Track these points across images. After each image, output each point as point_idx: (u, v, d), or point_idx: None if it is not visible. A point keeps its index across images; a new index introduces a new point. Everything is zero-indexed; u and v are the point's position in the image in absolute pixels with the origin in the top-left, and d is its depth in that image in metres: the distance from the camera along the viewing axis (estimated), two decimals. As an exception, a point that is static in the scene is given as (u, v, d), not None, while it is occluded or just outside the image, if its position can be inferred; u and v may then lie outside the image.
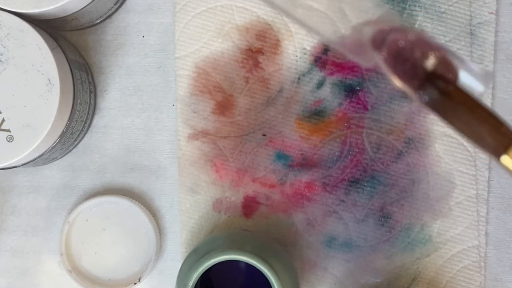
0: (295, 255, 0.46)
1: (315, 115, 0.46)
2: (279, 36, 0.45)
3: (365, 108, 0.46)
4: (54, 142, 0.41)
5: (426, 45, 0.27)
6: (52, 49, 0.39)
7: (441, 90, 0.28)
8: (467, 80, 0.27)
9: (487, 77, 0.27)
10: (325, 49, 0.45)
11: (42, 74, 0.39)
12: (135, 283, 0.46)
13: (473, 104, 0.28)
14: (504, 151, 0.28)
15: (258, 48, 0.46)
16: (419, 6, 0.45)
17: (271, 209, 0.46)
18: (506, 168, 0.28)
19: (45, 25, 0.41)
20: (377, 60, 0.27)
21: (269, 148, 0.46)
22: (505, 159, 0.28)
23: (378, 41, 0.27)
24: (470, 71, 0.27)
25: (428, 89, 0.28)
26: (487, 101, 0.45)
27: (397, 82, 0.27)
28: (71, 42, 0.46)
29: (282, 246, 0.46)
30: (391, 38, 0.27)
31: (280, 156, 0.46)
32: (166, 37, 0.46)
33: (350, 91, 0.45)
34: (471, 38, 0.45)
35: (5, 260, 0.47)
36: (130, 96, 0.47)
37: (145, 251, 0.46)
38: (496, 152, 0.28)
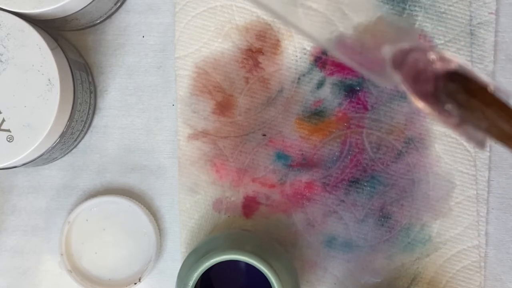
0: (295, 255, 0.46)
1: (315, 115, 0.46)
2: (279, 36, 0.45)
3: (365, 108, 0.45)
4: (54, 142, 0.41)
5: (447, 63, 0.27)
6: (52, 49, 0.39)
7: (463, 98, 0.27)
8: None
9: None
10: (325, 49, 0.45)
11: (42, 74, 0.39)
12: (135, 283, 0.46)
13: (499, 104, 0.27)
14: None
15: (258, 48, 0.46)
16: (419, 6, 0.45)
17: (271, 209, 0.46)
18: None
19: (45, 25, 0.41)
20: (397, 80, 0.27)
21: (269, 148, 0.46)
22: None
23: (398, 61, 0.27)
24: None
25: (449, 102, 0.27)
26: (487, 101, 0.45)
27: (418, 103, 0.27)
28: (71, 42, 0.46)
29: (282, 246, 0.46)
30: (411, 58, 0.27)
31: (280, 156, 0.46)
32: (166, 37, 0.46)
33: (350, 91, 0.45)
34: (471, 38, 0.45)
35: (5, 260, 0.47)
36: (130, 96, 0.47)
37: (145, 251, 0.46)
38: None
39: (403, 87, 0.26)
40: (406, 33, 0.43)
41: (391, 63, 0.27)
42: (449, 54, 0.27)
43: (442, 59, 0.27)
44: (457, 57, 0.26)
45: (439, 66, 0.27)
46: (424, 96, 0.26)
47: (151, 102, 0.47)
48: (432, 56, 0.27)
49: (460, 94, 0.27)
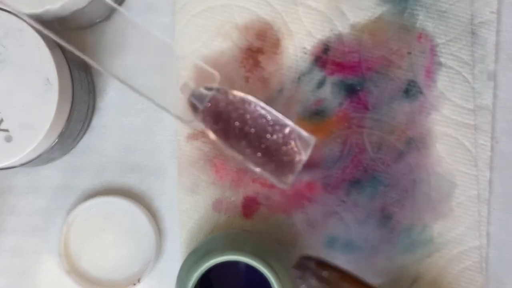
0: (296, 256, 0.46)
1: (316, 115, 0.45)
2: (279, 35, 0.45)
3: (366, 108, 0.45)
4: (53, 142, 0.41)
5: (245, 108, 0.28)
6: (51, 49, 0.39)
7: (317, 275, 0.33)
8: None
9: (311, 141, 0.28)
10: (326, 49, 0.45)
11: (41, 73, 0.38)
12: (134, 284, 0.46)
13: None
14: None
15: (258, 48, 0.45)
16: (420, 6, 0.45)
17: (271, 210, 0.46)
18: None
19: (44, 24, 0.41)
20: (197, 119, 0.28)
21: (269, 148, 0.46)
22: None
23: (198, 100, 0.28)
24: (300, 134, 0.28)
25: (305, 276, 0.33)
26: (488, 100, 0.45)
27: (211, 135, 0.28)
28: (71, 42, 0.46)
29: (282, 246, 0.46)
30: (211, 97, 0.28)
31: (280, 156, 0.46)
32: (166, 37, 0.46)
33: (351, 90, 0.45)
34: (472, 37, 0.45)
35: (4, 261, 0.47)
36: (130, 96, 0.47)
37: (145, 252, 0.46)
38: None
39: (202, 125, 0.28)
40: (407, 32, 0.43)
41: (189, 102, 0.29)
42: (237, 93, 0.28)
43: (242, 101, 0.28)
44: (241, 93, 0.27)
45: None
46: (222, 133, 0.28)
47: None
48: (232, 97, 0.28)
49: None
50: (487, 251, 0.46)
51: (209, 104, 0.28)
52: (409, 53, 0.45)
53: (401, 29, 0.45)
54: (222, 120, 0.28)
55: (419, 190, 0.45)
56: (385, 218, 0.46)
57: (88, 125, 0.46)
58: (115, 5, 0.45)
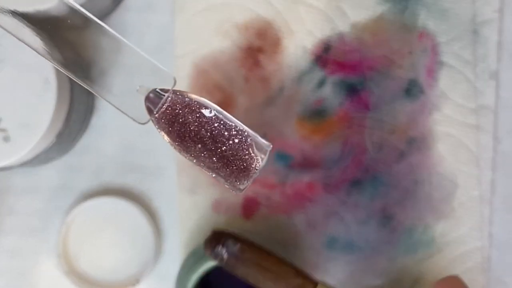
0: (296, 257, 0.46)
1: (316, 114, 0.45)
2: (279, 34, 0.45)
3: (367, 108, 0.45)
4: (52, 142, 0.41)
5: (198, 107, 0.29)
6: (49, 48, 0.39)
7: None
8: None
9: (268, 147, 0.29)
10: (326, 48, 0.45)
11: (39, 73, 0.38)
12: (133, 285, 0.46)
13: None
14: None
15: (258, 47, 0.45)
16: (421, 4, 0.45)
17: (271, 210, 0.46)
18: None
19: (42, 23, 0.41)
20: (151, 120, 0.29)
21: (269, 148, 0.46)
22: None
23: (154, 102, 0.29)
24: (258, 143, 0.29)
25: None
26: (490, 100, 0.45)
27: (165, 138, 0.29)
28: (69, 41, 0.46)
29: (283, 247, 0.46)
30: (167, 99, 0.29)
31: (281, 156, 0.46)
32: (165, 36, 0.46)
33: (352, 90, 0.45)
34: (474, 36, 0.45)
35: (2, 262, 0.47)
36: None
37: (144, 253, 0.46)
38: None
39: (156, 127, 0.28)
40: (408, 31, 0.43)
41: (145, 103, 0.29)
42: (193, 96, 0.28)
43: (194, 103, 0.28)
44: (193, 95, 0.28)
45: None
46: (177, 135, 0.28)
47: (150, 101, 0.46)
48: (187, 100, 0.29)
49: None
50: (489, 251, 0.46)
51: (165, 106, 0.28)
52: (410, 52, 0.45)
53: (402, 28, 0.45)
54: (178, 123, 0.28)
55: (421, 190, 0.45)
56: (386, 218, 0.46)
57: (87, 125, 0.46)
58: (113, 4, 0.45)
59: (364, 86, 0.45)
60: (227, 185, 0.28)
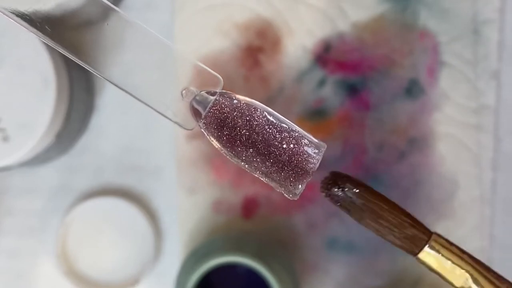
0: (296, 257, 0.46)
1: (316, 114, 0.45)
2: (279, 34, 0.45)
3: (367, 107, 0.45)
4: (51, 142, 0.41)
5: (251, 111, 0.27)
6: (48, 47, 0.39)
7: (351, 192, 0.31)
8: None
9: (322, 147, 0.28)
10: (327, 48, 0.45)
11: (38, 72, 0.38)
12: (132, 285, 0.45)
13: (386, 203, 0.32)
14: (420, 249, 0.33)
15: (258, 46, 0.45)
16: (422, 4, 0.45)
17: (271, 210, 0.46)
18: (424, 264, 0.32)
19: (41, 23, 0.41)
20: (199, 125, 0.28)
21: (269, 148, 0.45)
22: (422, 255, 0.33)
23: (201, 105, 0.28)
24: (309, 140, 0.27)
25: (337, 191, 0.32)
26: (491, 100, 0.45)
27: (215, 144, 0.28)
28: (68, 40, 0.46)
29: (283, 247, 0.46)
30: (215, 102, 0.27)
31: (281, 156, 0.45)
32: (165, 35, 0.46)
33: (352, 90, 0.45)
34: (475, 36, 0.45)
35: (1, 262, 0.47)
36: (129, 96, 0.46)
37: (143, 253, 0.46)
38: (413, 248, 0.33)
39: (204, 132, 0.27)
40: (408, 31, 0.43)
41: (191, 107, 0.28)
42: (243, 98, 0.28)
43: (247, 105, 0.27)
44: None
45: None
46: (228, 140, 0.27)
47: (150, 101, 0.46)
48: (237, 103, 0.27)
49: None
50: (490, 252, 0.45)
51: (213, 110, 0.27)
52: (411, 52, 0.45)
53: (403, 27, 0.45)
54: (227, 127, 0.27)
55: (421, 190, 0.45)
56: (387, 218, 0.45)
57: (87, 125, 0.46)
58: (111, 5, 0.45)
59: (365, 85, 0.45)
60: (281, 190, 0.27)
